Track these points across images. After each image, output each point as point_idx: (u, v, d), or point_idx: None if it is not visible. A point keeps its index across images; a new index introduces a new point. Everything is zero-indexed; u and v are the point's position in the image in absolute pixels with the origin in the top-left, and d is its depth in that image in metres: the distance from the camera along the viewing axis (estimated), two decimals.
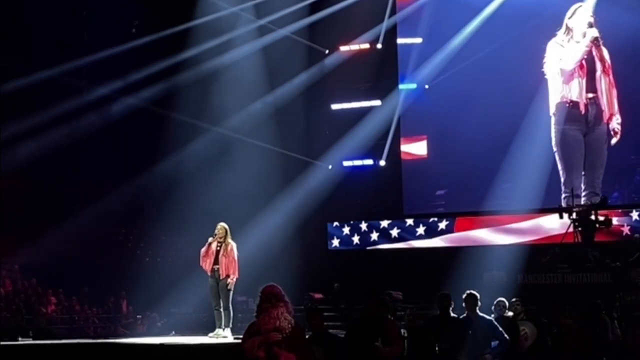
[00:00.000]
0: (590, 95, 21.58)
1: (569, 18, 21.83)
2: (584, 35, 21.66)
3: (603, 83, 21.69)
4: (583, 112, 21.50)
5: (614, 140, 21.16)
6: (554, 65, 21.97)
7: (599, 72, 21.66)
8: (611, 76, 21.49)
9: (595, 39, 21.39)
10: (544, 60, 21.79)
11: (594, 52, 21.48)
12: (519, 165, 21.21)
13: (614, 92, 21.50)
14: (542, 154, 21.37)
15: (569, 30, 21.82)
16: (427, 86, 22.76)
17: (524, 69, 21.97)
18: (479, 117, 21.89)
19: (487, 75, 22.06)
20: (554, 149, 21.53)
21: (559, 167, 21.48)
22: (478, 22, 21.91)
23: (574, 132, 21.51)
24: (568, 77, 21.85)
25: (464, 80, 22.19)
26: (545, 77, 21.71)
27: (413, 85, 22.85)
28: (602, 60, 21.68)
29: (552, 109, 21.76)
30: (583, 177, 20.98)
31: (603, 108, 21.51)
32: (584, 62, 21.60)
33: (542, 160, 21.28)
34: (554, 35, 21.80)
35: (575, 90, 21.65)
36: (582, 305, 13.95)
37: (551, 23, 21.86)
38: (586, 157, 21.29)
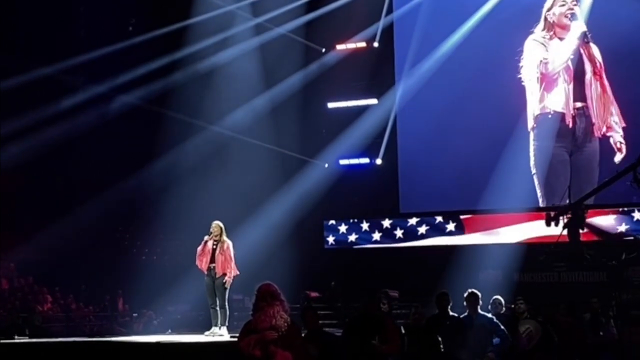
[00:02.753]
0: (579, 104, 19.62)
1: (548, 10, 20.17)
2: (569, 31, 19.66)
3: (593, 89, 19.41)
4: (570, 125, 19.54)
5: (618, 157, 18.77)
6: (532, 69, 20.05)
7: (588, 75, 19.55)
8: (604, 79, 19.55)
9: (583, 34, 19.44)
10: (521, 63, 20.40)
11: (582, 51, 19.57)
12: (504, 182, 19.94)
13: (608, 98, 19.42)
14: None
15: (549, 25, 20.04)
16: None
17: (500, 73, 20.78)
18: (457, 131, 21.34)
19: (468, 81, 21.40)
20: (532, 170, 20.24)
21: (538, 193, 20.07)
22: (469, 24, 21.43)
23: (558, 150, 19.57)
24: (551, 84, 19.72)
25: (442, 91, 21.57)
26: (523, 83, 20.51)
27: None
28: (591, 60, 19.41)
29: (531, 123, 20.15)
30: None
31: (594, 120, 19.49)
32: (570, 63, 19.70)
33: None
34: (530, 32, 20.41)
35: (561, 100, 19.57)
36: (573, 304, 14.00)
37: (527, 17, 20.43)
38: (572, 181, 18.29)
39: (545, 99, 19.86)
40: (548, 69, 19.94)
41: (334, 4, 22.37)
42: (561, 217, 13.71)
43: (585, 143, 19.47)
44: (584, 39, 19.46)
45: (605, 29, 19.54)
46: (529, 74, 20.22)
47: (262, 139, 22.59)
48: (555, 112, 19.81)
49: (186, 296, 19.11)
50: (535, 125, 20.01)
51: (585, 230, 16.22)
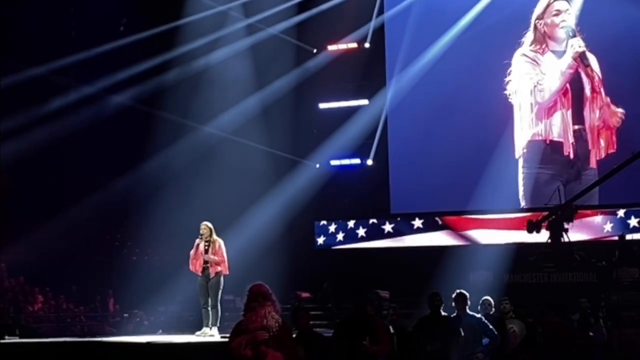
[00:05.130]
0: (577, 127, 18.30)
1: (538, 18, 18.88)
2: (565, 47, 18.13)
3: (592, 108, 17.83)
4: (568, 153, 18.30)
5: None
6: (524, 94, 18.75)
7: (587, 93, 18.05)
8: (602, 94, 18.02)
9: (582, 54, 17.76)
10: (508, 77, 19.37)
11: (580, 69, 18.16)
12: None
13: (608, 117, 17.73)
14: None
15: (540, 36, 18.75)
16: None
17: (491, 75, 19.95)
18: (446, 138, 20.98)
19: (458, 82, 20.94)
20: (521, 203, 19.48)
21: None
22: (460, 25, 21.15)
23: (551, 179, 18.42)
24: (547, 110, 18.39)
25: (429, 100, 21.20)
26: (510, 100, 19.56)
27: None
28: (589, 75, 17.89)
29: (520, 150, 19.17)
30: None
31: (590, 147, 18.07)
32: (567, 85, 18.22)
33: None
34: (519, 42, 19.28)
35: (557, 125, 18.20)
36: (565, 305, 14.03)
37: (518, 21, 19.36)
38: None
39: (539, 125, 18.65)
40: (544, 96, 18.52)
41: (325, 5, 22.40)
42: (543, 224, 13.29)
43: (583, 171, 18.32)
44: (583, 61, 18.04)
45: (603, 36, 18.39)
46: (519, 98, 18.94)
47: (253, 140, 22.59)
48: (550, 140, 18.58)
49: (177, 296, 19.12)
50: (525, 152, 18.77)
51: (574, 230, 16.24)
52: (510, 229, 20.26)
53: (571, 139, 18.27)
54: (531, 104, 18.62)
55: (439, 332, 11.22)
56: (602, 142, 17.99)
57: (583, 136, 18.41)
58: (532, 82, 18.63)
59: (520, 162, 18.97)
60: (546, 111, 18.45)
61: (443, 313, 11.51)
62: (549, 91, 18.45)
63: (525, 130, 18.79)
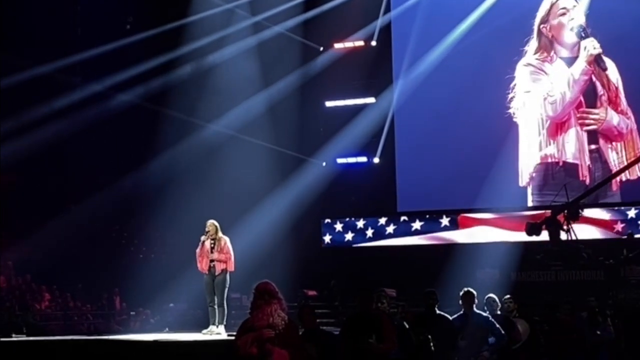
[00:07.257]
0: (593, 146, 16.68)
1: (543, 22, 17.81)
2: (577, 48, 16.73)
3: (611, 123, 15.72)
4: (584, 177, 16.87)
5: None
6: (530, 102, 17.44)
7: (604, 105, 16.41)
8: (623, 106, 16.24)
9: (598, 57, 16.17)
10: (511, 93, 18.59)
11: (594, 76, 16.72)
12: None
13: (632, 125, 15.97)
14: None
15: (548, 42, 17.69)
16: None
17: (498, 73, 19.32)
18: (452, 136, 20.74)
19: (465, 79, 20.59)
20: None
21: None
22: (467, 22, 20.97)
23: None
24: (559, 122, 16.87)
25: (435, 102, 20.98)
26: (514, 119, 18.73)
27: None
28: (605, 84, 16.26)
29: (527, 176, 18.08)
30: None
31: (611, 167, 16.31)
32: (581, 97, 16.69)
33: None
34: (521, 51, 18.43)
35: (571, 144, 16.53)
36: (573, 303, 13.99)
37: (524, 20, 18.60)
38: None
39: (550, 145, 17.25)
40: (556, 108, 17.00)
41: (331, 3, 22.43)
42: (543, 227, 12.89)
43: (602, 198, 16.77)
44: (600, 64, 16.26)
45: (618, 34, 16.88)
46: (526, 113, 17.64)
47: (259, 138, 22.60)
48: (564, 162, 17.12)
49: (183, 294, 19.11)
50: (533, 177, 17.52)
51: (582, 228, 16.16)
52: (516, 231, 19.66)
53: (587, 161, 16.73)
54: (542, 118, 17.05)
55: (432, 328, 11.19)
56: (624, 161, 16.37)
57: (602, 157, 16.84)
58: (542, 93, 17.15)
59: (529, 190, 17.46)
60: (559, 126, 16.83)
61: (438, 312, 11.48)
62: (562, 102, 16.88)
63: (532, 153, 17.18)
